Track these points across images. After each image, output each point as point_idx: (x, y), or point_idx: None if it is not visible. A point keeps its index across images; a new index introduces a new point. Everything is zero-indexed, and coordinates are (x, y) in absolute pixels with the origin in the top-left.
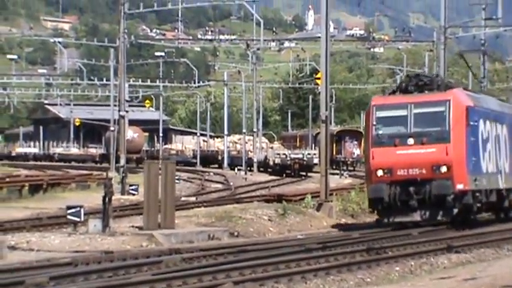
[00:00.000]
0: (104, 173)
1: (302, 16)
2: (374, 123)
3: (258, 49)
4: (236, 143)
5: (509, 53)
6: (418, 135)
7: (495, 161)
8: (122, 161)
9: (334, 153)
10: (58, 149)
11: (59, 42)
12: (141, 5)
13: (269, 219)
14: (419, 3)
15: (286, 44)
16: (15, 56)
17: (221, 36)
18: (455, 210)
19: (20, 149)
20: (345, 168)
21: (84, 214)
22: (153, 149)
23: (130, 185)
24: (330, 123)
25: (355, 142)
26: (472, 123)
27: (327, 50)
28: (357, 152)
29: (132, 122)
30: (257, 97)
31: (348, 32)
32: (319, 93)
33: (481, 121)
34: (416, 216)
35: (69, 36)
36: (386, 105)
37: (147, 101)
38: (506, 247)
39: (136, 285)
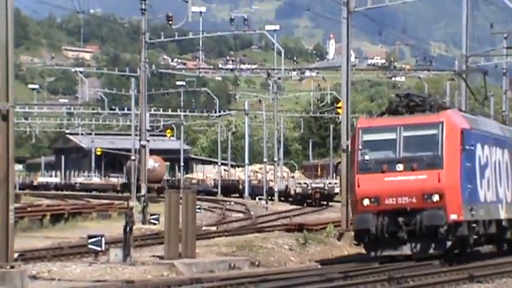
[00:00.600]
0: (125, 203)
1: (323, 45)
2: (360, 147)
3: (279, 78)
4: (257, 172)
5: None
6: (408, 161)
7: (495, 189)
8: (143, 190)
9: None
10: (79, 179)
11: (80, 72)
12: (162, 34)
13: (290, 249)
14: (441, 31)
15: (307, 73)
16: (37, 86)
17: (242, 66)
18: (449, 243)
19: (41, 178)
20: None
21: (105, 244)
22: (174, 178)
23: (151, 215)
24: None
25: None
26: (467, 147)
27: (348, 79)
28: None
29: (153, 152)
30: (278, 126)
31: (369, 61)
32: (340, 122)
33: (479, 145)
34: (406, 250)
35: (90, 65)
36: (374, 128)
37: (168, 131)
38: None
39: None
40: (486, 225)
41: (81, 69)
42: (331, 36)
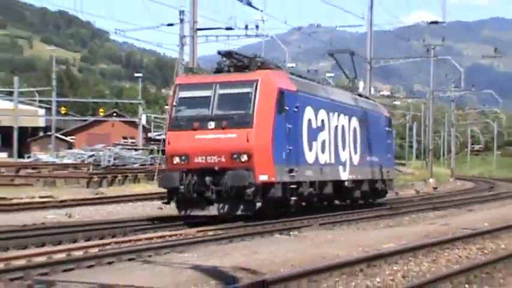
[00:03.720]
0: None
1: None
2: (174, 103)
3: None
4: None
5: (469, 105)
6: (219, 119)
7: (334, 152)
8: None
9: None
10: None
11: None
12: None
13: None
14: (419, 77)
15: None
16: None
17: None
18: (259, 204)
19: None
20: None
21: None
22: None
23: None
24: None
25: None
26: (288, 108)
27: None
28: None
29: None
30: None
31: (380, 93)
32: None
33: (310, 108)
34: (213, 210)
35: None
36: (191, 85)
37: None
38: (464, 208)
39: None
40: (317, 186)
41: None
42: (360, 78)
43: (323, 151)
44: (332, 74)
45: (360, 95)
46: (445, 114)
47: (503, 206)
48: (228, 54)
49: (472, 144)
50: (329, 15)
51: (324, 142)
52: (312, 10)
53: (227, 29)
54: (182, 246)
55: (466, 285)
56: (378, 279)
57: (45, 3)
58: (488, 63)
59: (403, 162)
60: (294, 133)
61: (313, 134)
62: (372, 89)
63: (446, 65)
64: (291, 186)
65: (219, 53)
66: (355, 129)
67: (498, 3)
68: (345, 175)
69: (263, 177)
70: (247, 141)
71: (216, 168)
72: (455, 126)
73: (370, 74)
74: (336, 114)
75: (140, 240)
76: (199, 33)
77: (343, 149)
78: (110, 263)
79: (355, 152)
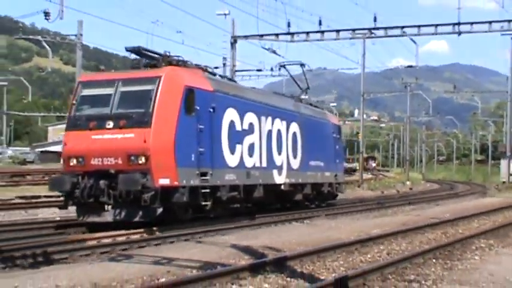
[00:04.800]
0: None
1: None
2: (74, 102)
3: None
4: None
5: (435, 127)
6: (118, 118)
7: (266, 156)
8: None
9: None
10: None
11: None
12: None
13: None
14: (399, 105)
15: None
16: None
17: None
18: (160, 210)
19: None
20: (369, 172)
21: None
22: None
23: None
24: (363, 154)
25: (372, 161)
26: (200, 108)
27: (362, 126)
28: (374, 164)
29: None
30: None
31: (370, 118)
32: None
33: (232, 110)
34: (108, 216)
35: None
36: (93, 82)
37: None
38: (432, 203)
39: None
40: (242, 190)
41: None
42: (356, 107)
43: (251, 155)
44: (335, 104)
45: (311, 104)
46: (418, 134)
47: (461, 202)
48: (136, 51)
49: (438, 155)
50: (332, 60)
51: (252, 145)
52: (319, 56)
53: (257, 70)
54: (224, 231)
55: (434, 260)
56: (368, 256)
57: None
58: (449, 97)
59: (387, 169)
60: (208, 135)
61: (237, 136)
62: (364, 115)
63: (419, 98)
64: (204, 190)
65: (126, 49)
66: (295, 134)
67: (457, 51)
68: (280, 179)
69: (163, 181)
70: (145, 142)
71: (112, 171)
72: (425, 142)
73: (362, 104)
74: (270, 118)
75: (195, 226)
76: (237, 73)
77: (279, 153)
78: (171, 242)
79: (295, 157)
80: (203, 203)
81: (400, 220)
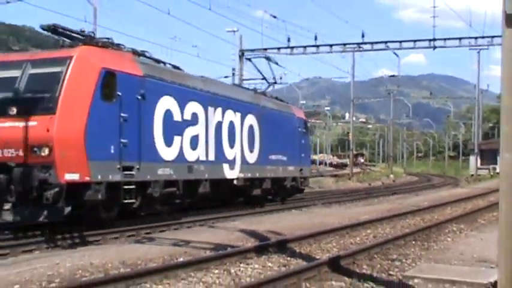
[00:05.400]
0: None
1: (343, 113)
2: None
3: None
4: None
5: (414, 128)
6: (23, 103)
7: (213, 149)
8: None
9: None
10: None
11: None
12: None
13: None
14: (384, 109)
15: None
16: None
17: None
18: (68, 209)
19: None
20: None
21: None
22: None
23: None
24: (353, 151)
25: (361, 157)
26: (123, 94)
27: (352, 127)
28: (362, 160)
29: None
30: None
31: (359, 120)
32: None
33: (169, 98)
34: (8, 216)
35: None
36: (2, 64)
37: None
38: (413, 193)
39: None
40: (181, 185)
41: None
42: (346, 111)
43: (194, 147)
44: (329, 108)
45: (276, 98)
46: (400, 134)
47: (437, 192)
48: (52, 29)
49: (417, 152)
50: (326, 70)
51: (196, 138)
52: (315, 67)
53: (262, 79)
54: (233, 217)
55: (413, 242)
56: (357, 238)
57: None
58: (426, 102)
59: (374, 164)
60: (135, 125)
61: (176, 127)
62: (354, 118)
63: (400, 103)
64: (128, 186)
65: (41, 27)
66: (251, 126)
67: (433, 63)
68: (233, 173)
69: (71, 176)
70: (48, 130)
71: (13, 164)
72: (406, 141)
73: (352, 108)
74: (221, 109)
75: (208, 213)
76: (244, 82)
77: (231, 147)
78: (188, 227)
79: (251, 150)
80: (126, 201)
81: (385, 208)
